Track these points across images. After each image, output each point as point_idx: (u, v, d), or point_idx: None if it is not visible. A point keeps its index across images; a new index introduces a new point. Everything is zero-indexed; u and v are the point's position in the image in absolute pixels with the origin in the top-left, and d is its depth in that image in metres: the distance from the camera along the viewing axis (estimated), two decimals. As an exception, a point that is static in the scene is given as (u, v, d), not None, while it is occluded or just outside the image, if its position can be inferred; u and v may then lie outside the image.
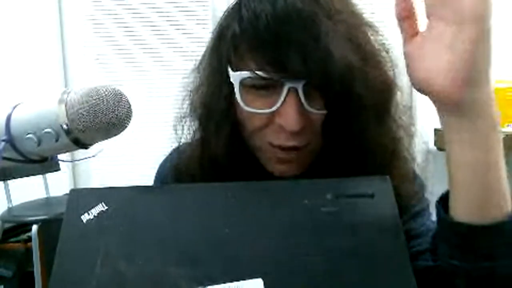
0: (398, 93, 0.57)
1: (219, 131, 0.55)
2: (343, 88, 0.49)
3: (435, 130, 2.08)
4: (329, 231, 0.41)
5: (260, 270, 0.38)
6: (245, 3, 0.53)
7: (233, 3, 0.57)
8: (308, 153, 0.55)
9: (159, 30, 2.33)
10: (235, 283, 0.38)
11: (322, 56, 0.48)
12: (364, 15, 0.56)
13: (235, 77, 0.52)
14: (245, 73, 0.51)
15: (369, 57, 0.52)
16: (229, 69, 0.54)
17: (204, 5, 2.30)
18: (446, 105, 0.43)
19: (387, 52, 0.56)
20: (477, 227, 0.43)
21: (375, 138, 0.53)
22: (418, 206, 0.61)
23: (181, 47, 2.30)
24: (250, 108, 0.52)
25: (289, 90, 0.50)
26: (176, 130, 0.63)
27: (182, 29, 2.31)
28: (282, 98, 0.50)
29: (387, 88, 0.55)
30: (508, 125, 1.75)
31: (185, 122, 0.62)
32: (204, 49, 0.60)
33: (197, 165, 0.59)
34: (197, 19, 2.30)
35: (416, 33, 0.44)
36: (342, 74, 0.48)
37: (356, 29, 0.53)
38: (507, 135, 1.70)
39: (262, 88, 0.52)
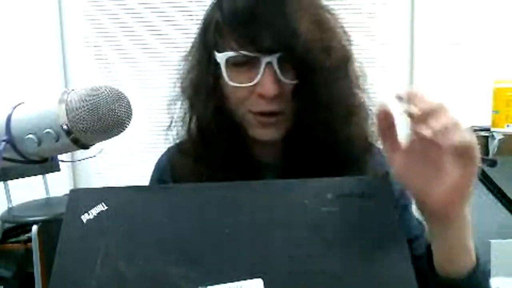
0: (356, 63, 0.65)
1: (207, 104, 0.63)
2: (308, 60, 0.57)
3: (435, 130, 2.08)
4: (329, 231, 0.41)
5: (260, 270, 0.38)
6: None
7: None
8: (285, 119, 0.62)
9: (159, 30, 2.33)
10: (235, 283, 0.38)
11: (290, 33, 0.56)
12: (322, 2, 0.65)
13: (221, 57, 0.60)
14: (229, 53, 0.59)
15: (329, 31, 0.62)
16: (215, 52, 0.61)
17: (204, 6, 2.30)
18: (439, 219, 0.48)
19: (342, 28, 0.65)
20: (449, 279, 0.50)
21: (338, 98, 0.61)
22: (402, 200, 0.65)
23: (182, 48, 2.30)
24: (235, 83, 0.60)
25: (266, 64, 0.58)
26: (168, 112, 0.70)
27: (183, 29, 2.31)
28: (260, 72, 0.58)
29: (345, 57, 0.63)
30: (508, 125, 1.75)
31: (175, 104, 0.69)
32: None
33: (188, 139, 0.68)
34: (197, 20, 2.30)
35: (397, 148, 0.49)
36: (307, 47, 0.57)
37: (318, 8, 0.62)
38: (507, 135, 1.70)
39: (243, 64, 0.60)
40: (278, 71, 0.58)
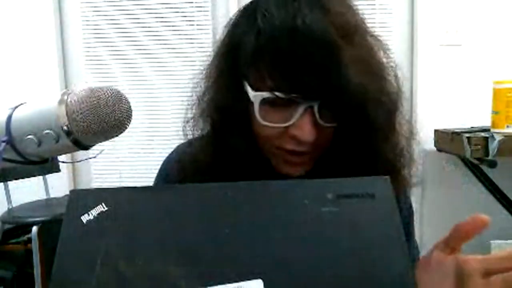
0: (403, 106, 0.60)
1: (237, 133, 0.57)
2: (356, 109, 0.52)
3: (435, 130, 2.08)
4: (330, 231, 0.41)
5: (260, 270, 0.38)
6: (261, 11, 0.54)
7: (246, 7, 0.58)
8: (314, 157, 0.58)
9: (157, 32, 2.33)
10: (235, 283, 0.38)
11: (339, 79, 0.50)
12: (370, 30, 0.58)
13: (256, 97, 0.54)
14: (265, 94, 0.53)
15: (380, 78, 0.56)
16: (247, 84, 0.55)
17: (204, 12, 2.30)
18: None
19: (393, 66, 0.59)
20: None
21: (380, 152, 0.56)
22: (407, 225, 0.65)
23: (180, 50, 2.30)
24: (267, 122, 0.55)
25: (306, 108, 0.53)
26: (184, 131, 0.64)
27: (181, 33, 2.31)
28: (298, 115, 0.53)
29: (394, 106, 0.58)
30: (508, 126, 1.75)
31: (194, 125, 0.63)
32: (205, 52, 0.62)
33: (206, 162, 0.60)
34: (197, 25, 2.30)
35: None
36: (357, 97, 0.51)
37: (369, 51, 0.56)
38: (507, 136, 1.70)
39: (279, 104, 0.54)
40: (317, 114, 0.53)
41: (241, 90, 0.56)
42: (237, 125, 0.58)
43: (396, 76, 0.59)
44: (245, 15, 0.58)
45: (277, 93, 0.52)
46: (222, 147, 0.59)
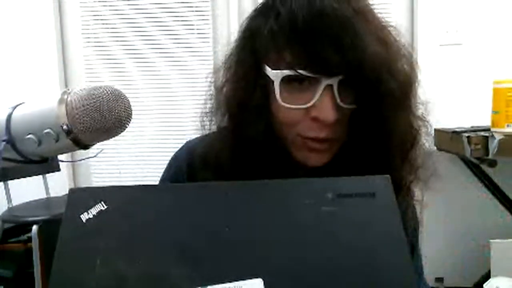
0: (417, 86, 0.61)
1: (256, 123, 0.57)
2: (375, 84, 0.52)
3: (435, 130, 2.08)
4: (330, 231, 0.41)
5: (260, 270, 0.38)
6: (277, 4, 0.55)
7: (263, 3, 0.59)
8: (336, 145, 0.58)
9: (154, 32, 2.33)
10: (235, 283, 0.38)
11: (357, 53, 0.51)
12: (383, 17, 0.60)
13: (275, 75, 0.54)
14: (285, 72, 0.53)
15: (395, 53, 0.56)
16: (267, 67, 0.55)
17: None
18: None
19: (405, 47, 0.59)
20: None
21: (397, 129, 0.56)
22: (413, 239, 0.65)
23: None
24: (288, 104, 0.55)
25: (325, 86, 0.53)
26: (203, 125, 0.64)
27: (179, 39, 2.31)
28: (318, 94, 0.53)
29: (409, 81, 0.58)
30: (508, 125, 1.75)
31: (213, 117, 0.63)
32: (227, 46, 0.62)
33: (227, 154, 0.60)
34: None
35: None
36: (375, 71, 0.51)
37: (383, 28, 0.57)
38: (507, 135, 1.70)
39: (298, 84, 0.54)
40: (337, 94, 0.53)
41: (261, 77, 0.56)
42: (257, 115, 0.57)
43: (410, 54, 0.60)
44: (264, 7, 0.59)
45: (298, 70, 0.52)
46: (241, 139, 0.59)
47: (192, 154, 0.66)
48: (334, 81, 0.52)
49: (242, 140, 0.59)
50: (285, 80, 0.54)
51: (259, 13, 0.59)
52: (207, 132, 0.64)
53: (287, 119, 0.56)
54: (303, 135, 0.56)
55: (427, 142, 0.63)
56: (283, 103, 0.55)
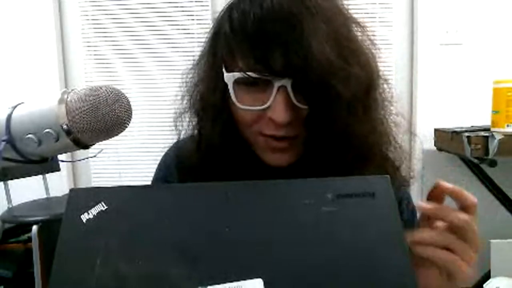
0: (385, 87, 0.60)
1: (215, 124, 0.59)
2: (322, 85, 0.51)
3: (435, 130, 2.08)
4: (330, 231, 0.41)
5: (260, 270, 0.38)
6: (236, 5, 0.56)
7: (227, 4, 0.59)
8: (299, 144, 0.58)
9: (161, 31, 2.33)
10: (235, 283, 0.38)
11: (303, 55, 0.50)
12: (350, 12, 0.58)
13: (229, 77, 0.55)
14: (237, 74, 0.54)
15: (350, 55, 0.54)
16: (223, 69, 0.56)
17: (203, 5, 2.30)
18: None
19: (373, 47, 0.58)
20: None
21: (354, 131, 0.55)
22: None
23: (179, 45, 2.30)
24: (244, 105, 0.56)
25: (279, 88, 0.53)
26: (176, 125, 0.66)
27: (181, 28, 2.31)
28: (272, 95, 0.53)
29: (368, 84, 0.56)
30: (508, 125, 1.75)
31: (184, 118, 0.64)
32: (201, 47, 0.63)
33: (196, 157, 0.62)
34: (197, 19, 2.30)
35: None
36: (322, 72, 0.50)
37: (340, 28, 0.55)
38: (507, 135, 1.70)
39: (253, 85, 0.54)
40: (291, 95, 0.53)
41: (221, 79, 0.57)
42: (215, 116, 0.58)
43: (372, 54, 0.58)
44: (225, 10, 0.59)
45: (248, 73, 0.53)
46: (207, 142, 0.60)
47: (178, 154, 0.68)
48: (287, 82, 0.53)
49: (204, 141, 0.60)
50: (240, 82, 0.55)
51: (221, 15, 0.59)
52: (180, 133, 0.66)
53: (245, 120, 0.57)
54: (263, 132, 0.57)
55: (411, 141, 0.63)
56: (239, 105, 0.56)
